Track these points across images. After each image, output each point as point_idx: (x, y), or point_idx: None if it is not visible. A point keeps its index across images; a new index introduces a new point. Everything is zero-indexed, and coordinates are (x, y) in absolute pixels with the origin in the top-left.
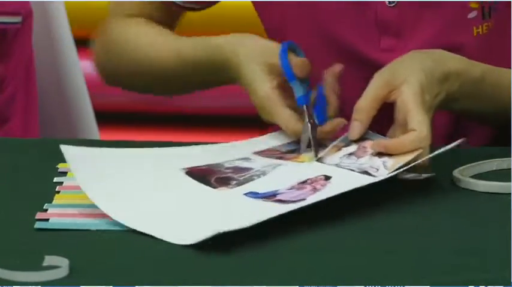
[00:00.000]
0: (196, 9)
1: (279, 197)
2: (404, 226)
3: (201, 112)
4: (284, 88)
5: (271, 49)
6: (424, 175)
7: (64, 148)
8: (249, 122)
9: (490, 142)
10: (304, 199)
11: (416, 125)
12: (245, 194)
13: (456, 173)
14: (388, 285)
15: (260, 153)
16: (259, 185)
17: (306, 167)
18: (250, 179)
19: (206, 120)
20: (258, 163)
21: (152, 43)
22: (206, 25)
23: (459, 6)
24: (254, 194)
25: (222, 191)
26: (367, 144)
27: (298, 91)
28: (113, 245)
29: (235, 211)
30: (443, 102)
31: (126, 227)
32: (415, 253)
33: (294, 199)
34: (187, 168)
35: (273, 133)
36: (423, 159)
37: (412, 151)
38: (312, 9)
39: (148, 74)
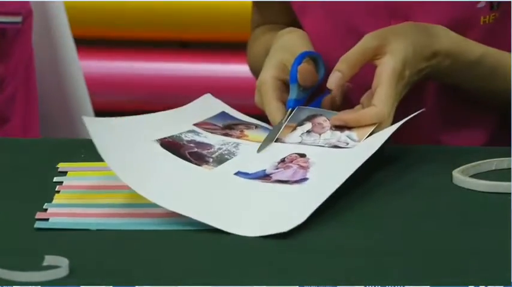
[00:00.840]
0: None
1: (274, 177)
2: (404, 226)
3: None
4: (285, 85)
5: (294, 49)
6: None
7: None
8: None
9: (488, 140)
10: (306, 178)
11: (379, 101)
12: (235, 174)
13: (456, 172)
14: (388, 285)
15: (200, 126)
16: (240, 164)
17: (272, 147)
18: (223, 158)
19: None
20: (212, 139)
21: (261, 46)
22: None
23: None
24: (245, 175)
25: (211, 171)
26: (321, 120)
27: (293, 94)
28: (113, 245)
29: (268, 197)
30: (429, 76)
31: (130, 226)
32: (414, 253)
33: (295, 179)
34: (160, 139)
35: (196, 102)
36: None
37: (370, 125)
38: None
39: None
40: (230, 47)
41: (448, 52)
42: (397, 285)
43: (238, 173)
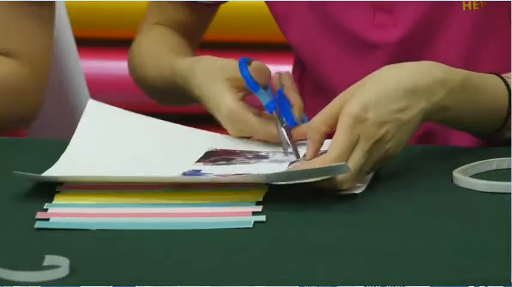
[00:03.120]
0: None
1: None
2: (404, 226)
3: (203, 112)
4: (246, 102)
5: (230, 65)
6: (357, 189)
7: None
8: None
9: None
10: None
11: (330, 147)
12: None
13: (456, 172)
14: (388, 285)
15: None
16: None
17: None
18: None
19: (208, 121)
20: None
21: (149, 59)
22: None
23: None
24: (196, 172)
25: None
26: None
27: (265, 99)
28: (113, 244)
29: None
30: (427, 114)
31: (132, 221)
32: (414, 253)
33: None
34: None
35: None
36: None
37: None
38: None
39: (150, 88)
40: (230, 47)
41: (441, 81)
42: (397, 285)
43: (187, 172)
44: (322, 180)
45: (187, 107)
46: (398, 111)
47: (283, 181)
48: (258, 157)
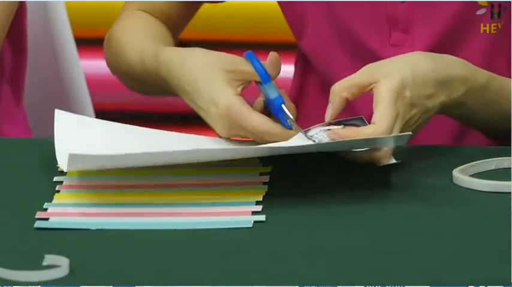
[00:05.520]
0: (213, 2)
1: None
2: (404, 226)
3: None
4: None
5: (229, 57)
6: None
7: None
8: None
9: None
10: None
11: (378, 118)
12: None
13: (456, 172)
14: (388, 285)
15: None
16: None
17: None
18: None
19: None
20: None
21: (132, 46)
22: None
23: (468, 3)
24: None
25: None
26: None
27: (273, 92)
28: (113, 244)
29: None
30: (444, 106)
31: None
32: (414, 252)
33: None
34: None
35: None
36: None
37: None
38: (330, 3)
39: (128, 76)
40: (231, 47)
41: (463, 77)
42: (397, 285)
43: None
44: (365, 152)
45: (187, 107)
46: (427, 97)
47: (337, 149)
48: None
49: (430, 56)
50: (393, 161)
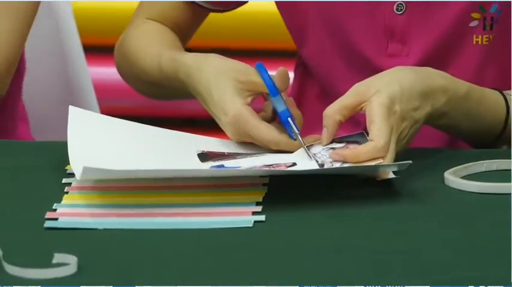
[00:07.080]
0: (220, 11)
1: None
2: (403, 226)
3: (209, 116)
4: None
5: (241, 67)
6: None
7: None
8: None
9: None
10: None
11: (375, 135)
12: (212, 166)
13: (447, 174)
14: (388, 285)
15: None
16: (228, 163)
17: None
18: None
19: (214, 125)
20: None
21: (148, 52)
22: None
23: (461, 15)
24: (220, 166)
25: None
26: (351, 146)
27: (281, 105)
28: (120, 243)
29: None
30: (429, 117)
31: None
32: (413, 253)
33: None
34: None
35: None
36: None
37: (371, 160)
38: (330, 13)
39: (143, 81)
40: (235, 54)
41: (443, 87)
42: (397, 285)
43: (214, 166)
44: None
45: (196, 111)
46: (414, 109)
47: (339, 173)
48: (255, 154)
49: (412, 69)
50: (392, 175)
